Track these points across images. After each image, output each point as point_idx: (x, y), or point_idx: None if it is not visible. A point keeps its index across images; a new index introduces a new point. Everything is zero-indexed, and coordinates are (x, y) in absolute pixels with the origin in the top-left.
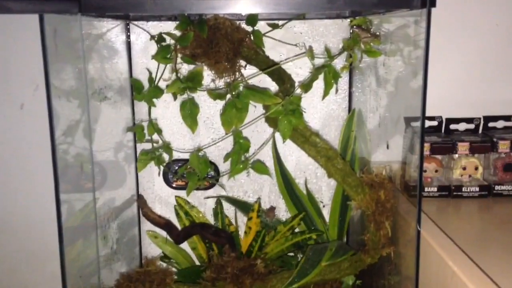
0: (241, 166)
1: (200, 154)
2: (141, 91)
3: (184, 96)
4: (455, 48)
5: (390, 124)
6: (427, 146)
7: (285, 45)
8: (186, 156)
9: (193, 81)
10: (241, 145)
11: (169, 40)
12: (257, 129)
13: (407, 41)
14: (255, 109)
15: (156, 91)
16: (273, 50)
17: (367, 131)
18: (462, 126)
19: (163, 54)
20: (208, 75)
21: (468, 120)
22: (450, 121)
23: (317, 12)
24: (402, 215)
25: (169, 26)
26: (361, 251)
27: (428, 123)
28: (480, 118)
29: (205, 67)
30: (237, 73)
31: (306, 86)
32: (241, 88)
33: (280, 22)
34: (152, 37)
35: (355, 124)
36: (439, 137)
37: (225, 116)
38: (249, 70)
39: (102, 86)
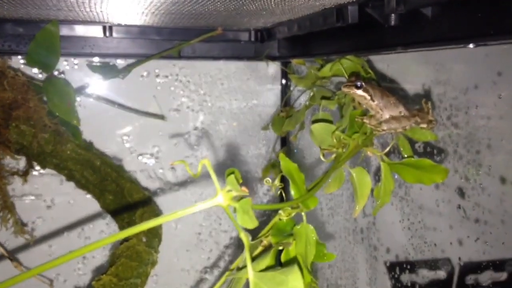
0: None
1: None
2: None
3: None
4: None
5: None
6: None
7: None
8: None
9: None
10: None
11: None
12: None
13: None
14: None
15: None
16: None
17: None
18: (486, 277)
19: None
20: None
21: (497, 265)
22: (468, 269)
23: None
24: None
25: None
26: None
27: (426, 275)
28: None
29: None
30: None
31: None
32: None
33: (119, 61)
34: None
35: None
36: None
37: None
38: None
39: None
